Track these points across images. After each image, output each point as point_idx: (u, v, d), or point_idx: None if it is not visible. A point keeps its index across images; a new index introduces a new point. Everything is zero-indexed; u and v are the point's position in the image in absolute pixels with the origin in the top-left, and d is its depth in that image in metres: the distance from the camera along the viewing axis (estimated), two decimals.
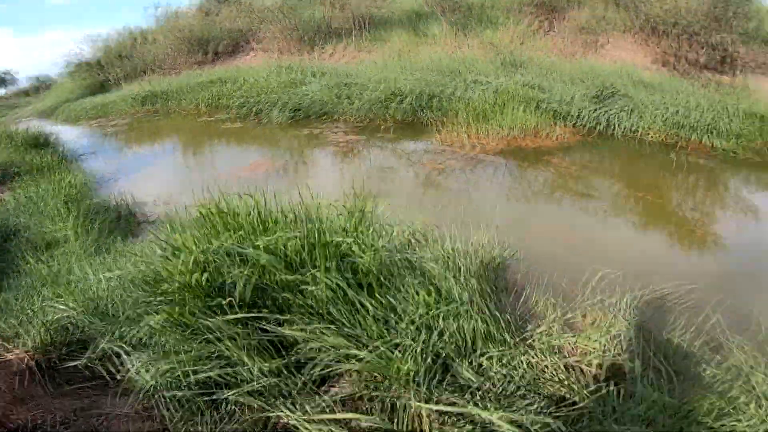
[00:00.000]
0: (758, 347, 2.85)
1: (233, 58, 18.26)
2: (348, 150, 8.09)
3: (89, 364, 2.54)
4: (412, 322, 2.42)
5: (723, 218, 5.34)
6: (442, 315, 2.50)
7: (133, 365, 2.31)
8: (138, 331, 2.49)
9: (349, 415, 2.08)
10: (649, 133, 7.21)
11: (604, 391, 2.39)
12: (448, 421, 2.13)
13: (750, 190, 6.17)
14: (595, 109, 7.23)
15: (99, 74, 24.15)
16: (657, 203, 5.46)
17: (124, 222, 5.63)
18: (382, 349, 2.28)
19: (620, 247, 4.51)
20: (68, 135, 14.00)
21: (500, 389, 2.36)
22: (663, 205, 5.46)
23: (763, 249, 4.74)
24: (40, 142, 11.38)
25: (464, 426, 2.10)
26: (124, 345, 2.50)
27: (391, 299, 2.59)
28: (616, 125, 7.19)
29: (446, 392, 2.22)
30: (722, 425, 2.21)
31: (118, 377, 2.44)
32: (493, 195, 5.58)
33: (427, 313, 2.49)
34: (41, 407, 2.41)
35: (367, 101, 9.65)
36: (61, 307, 2.97)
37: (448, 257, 3.22)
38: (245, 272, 2.41)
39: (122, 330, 2.60)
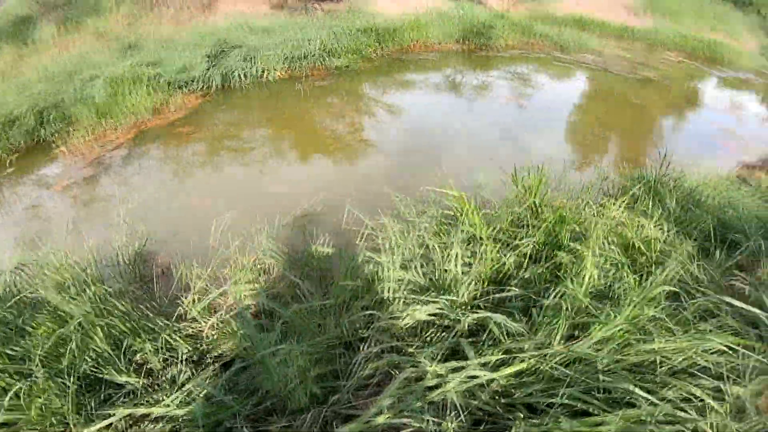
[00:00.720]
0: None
1: None
2: None
3: None
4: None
5: (359, 122, 5.84)
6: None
7: None
8: None
9: None
10: (271, 73, 7.33)
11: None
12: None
13: (376, 93, 6.87)
14: (209, 68, 6.95)
15: None
16: (302, 131, 5.62)
17: None
18: None
19: (277, 185, 4.56)
20: None
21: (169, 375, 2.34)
22: (307, 131, 5.65)
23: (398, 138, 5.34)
24: None
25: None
26: None
27: None
28: (240, 76, 7.10)
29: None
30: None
31: None
32: (135, 188, 5.00)
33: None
34: None
35: None
36: None
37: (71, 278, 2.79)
38: None
39: None
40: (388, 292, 2.52)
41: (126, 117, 6.59)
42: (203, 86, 6.90)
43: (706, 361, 2.06)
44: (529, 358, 2.05)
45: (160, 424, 2.03)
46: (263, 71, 7.33)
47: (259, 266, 3.06)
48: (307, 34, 8.15)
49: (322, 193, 4.32)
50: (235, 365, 2.31)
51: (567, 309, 2.26)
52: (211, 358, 2.45)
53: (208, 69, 6.94)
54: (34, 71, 10.54)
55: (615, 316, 2.16)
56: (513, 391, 1.99)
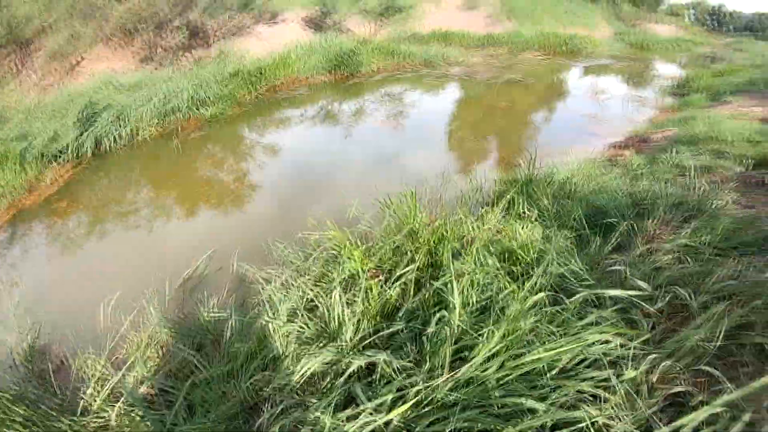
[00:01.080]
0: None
1: None
2: None
3: None
4: None
5: (239, 168, 6.03)
6: None
7: None
8: None
9: None
10: (144, 131, 7.30)
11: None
12: None
13: (253, 136, 7.05)
14: (80, 134, 6.80)
15: None
16: (183, 186, 5.66)
17: None
18: None
19: (165, 246, 4.61)
20: None
21: None
22: (189, 185, 5.70)
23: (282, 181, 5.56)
24: None
25: None
26: None
27: None
28: (114, 138, 6.99)
29: None
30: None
31: None
32: (20, 273, 4.76)
33: None
34: None
35: None
36: None
37: None
38: None
39: None
40: (280, 347, 2.59)
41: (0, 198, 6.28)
42: (76, 154, 6.71)
43: (592, 355, 2.13)
44: (422, 391, 2.07)
45: None
46: (136, 130, 7.25)
47: (155, 341, 3.05)
48: (175, 86, 8.16)
49: (212, 248, 4.39)
50: None
51: (449, 334, 2.26)
52: None
53: (79, 135, 6.75)
54: None
55: (494, 334, 2.19)
56: (413, 425, 2.01)
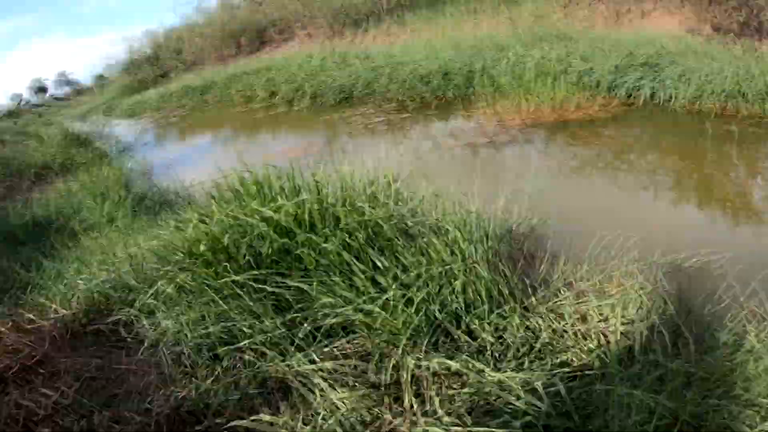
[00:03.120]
0: None
1: (277, 47, 18.58)
2: (390, 128, 8.27)
3: (112, 328, 2.73)
4: (418, 276, 2.46)
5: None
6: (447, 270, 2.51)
7: (144, 326, 2.44)
8: (150, 298, 2.62)
9: (332, 364, 2.13)
10: (696, 103, 6.74)
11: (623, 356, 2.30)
12: (452, 382, 2.11)
13: None
14: (641, 77, 6.88)
15: (153, 69, 25.21)
16: (714, 178, 5.10)
17: (163, 205, 5.92)
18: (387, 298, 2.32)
19: (661, 219, 4.27)
20: (121, 129, 14.77)
21: (516, 351, 2.32)
22: (717, 178, 5.11)
23: None
24: (82, 141, 12.10)
25: (472, 386, 2.05)
26: (140, 310, 2.70)
27: (403, 258, 2.62)
28: (673, 95, 6.73)
29: (453, 351, 2.23)
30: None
31: (134, 338, 2.64)
32: (530, 167, 5.41)
33: (436, 268, 2.50)
34: (63, 364, 2.62)
35: (410, 80, 9.65)
36: (82, 280, 3.23)
37: (467, 222, 3.14)
38: (248, 239, 2.51)
39: (139, 298, 2.78)
40: None
41: (536, 102, 7.11)
42: (631, 95, 6.98)
43: None
44: None
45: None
46: (675, 96, 6.85)
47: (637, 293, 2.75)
48: (735, 69, 7.12)
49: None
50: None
51: None
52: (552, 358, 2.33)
53: (639, 79, 6.92)
54: (446, 39, 12.21)
55: None
56: None
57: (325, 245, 2.59)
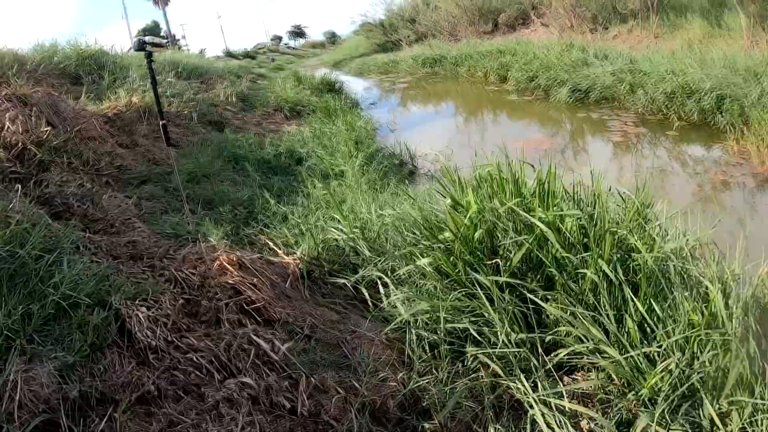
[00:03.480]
0: None
1: (513, 32, 18.16)
2: (626, 141, 7.60)
3: (351, 285, 2.83)
4: (667, 336, 2.16)
5: None
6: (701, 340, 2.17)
7: (394, 297, 2.46)
8: (404, 268, 2.64)
9: (589, 411, 1.95)
10: None
11: None
12: None
13: None
14: None
15: (385, 35, 26.63)
16: None
17: (400, 169, 6.11)
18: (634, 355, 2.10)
19: None
20: (355, 86, 15.86)
21: None
22: None
23: None
24: (333, 88, 13.07)
25: None
26: (388, 277, 2.70)
27: (656, 306, 2.30)
28: None
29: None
30: None
31: (374, 304, 2.68)
32: None
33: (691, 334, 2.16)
34: (296, 309, 2.76)
35: (652, 93, 8.65)
36: (336, 228, 3.36)
37: (725, 281, 2.67)
38: (522, 238, 2.36)
39: (389, 263, 2.81)
40: None
41: None
42: None
43: None
44: None
45: None
46: None
47: None
48: None
49: None
50: None
51: None
52: None
53: None
54: (719, 54, 10.50)
55: None
56: None
57: (583, 270, 2.35)
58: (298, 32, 67.49)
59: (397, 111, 11.90)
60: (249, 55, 42.70)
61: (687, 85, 8.38)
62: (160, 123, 3.65)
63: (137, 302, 2.34)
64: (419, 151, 6.80)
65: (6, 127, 4.05)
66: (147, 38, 3.38)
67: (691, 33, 12.61)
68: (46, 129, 4.27)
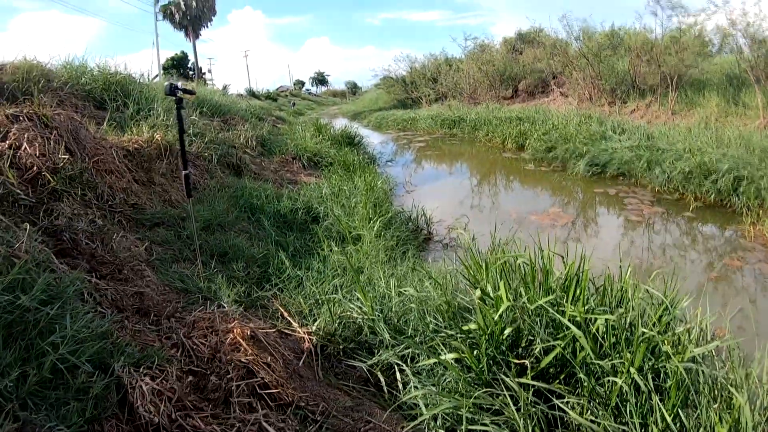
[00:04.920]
0: None
1: (533, 99, 18.54)
2: (642, 220, 7.54)
3: (367, 368, 2.73)
4: None
5: None
6: None
7: (415, 394, 2.36)
8: (427, 361, 2.54)
9: None
10: None
11: None
12: None
13: None
14: None
15: (405, 91, 27.26)
16: None
17: (415, 235, 6.04)
18: None
19: None
20: (373, 139, 16.07)
21: None
22: None
23: None
24: (352, 141, 13.21)
25: None
26: (406, 365, 2.61)
27: (682, 415, 2.20)
28: None
29: None
30: None
31: (389, 390, 2.57)
32: None
33: None
34: (309, 390, 2.64)
35: (669, 171, 8.69)
36: (355, 306, 3.28)
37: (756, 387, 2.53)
38: (555, 343, 2.27)
39: (409, 351, 2.71)
40: None
41: None
42: None
43: None
44: None
45: None
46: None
47: None
48: None
49: None
50: None
51: None
52: None
53: None
54: (735, 133, 10.56)
55: None
56: None
57: (613, 379, 2.25)
58: (320, 79, 70.00)
59: (413, 169, 12.01)
60: (271, 97, 43.85)
61: (704, 165, 8.40)
62: (183, 173, 3.65)
63: (141, 370, 2.25)
64: (434, 215, 6.78)
65: (24, 147, 3.97)
66: (179, 84, 3.41)
67: (708, 110, 12.77)
68: (63, 156, 4.15)
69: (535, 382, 2.20)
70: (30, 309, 2.18)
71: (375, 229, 5.48)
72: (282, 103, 35.19)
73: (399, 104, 26.71)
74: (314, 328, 3.19)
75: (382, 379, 2.65)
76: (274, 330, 3.03)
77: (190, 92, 3.70)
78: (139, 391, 2.16)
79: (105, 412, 2.01)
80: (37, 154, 3.97)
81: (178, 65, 46.02)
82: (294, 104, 38.32)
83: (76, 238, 3.44)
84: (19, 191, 3.52)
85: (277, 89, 56.44)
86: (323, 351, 3.02)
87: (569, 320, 2.35)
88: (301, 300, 3.67)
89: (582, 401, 2.24)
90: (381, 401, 2.60)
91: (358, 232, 5.59)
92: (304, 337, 3.15)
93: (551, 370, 2.42)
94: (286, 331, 3.19)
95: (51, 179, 3.85)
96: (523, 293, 2.61)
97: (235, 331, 2.78)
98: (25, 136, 4.08)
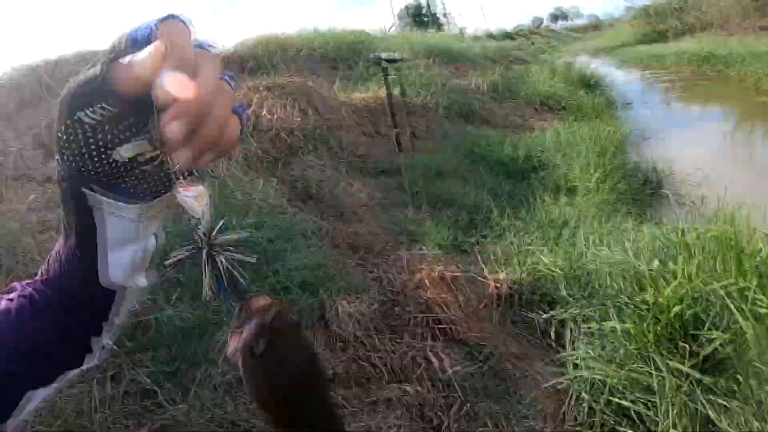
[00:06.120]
0: None
1: None
2: None
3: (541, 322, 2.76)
4: None
5: None
6: None
7: (584, 352, 2.36)
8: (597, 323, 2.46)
9: None
10: None
11: None
12: None
13: None
14: None
15: (650, 24, 23.80)
16: None
17: (642, 188, 5.50)
18: None
19: None
20: (614, 79, 14.39)
21: None
22: None
23: None
24: (588, 83, 12.03)
25: None
26: (579, 325, 2.56)
27: None
28: None
29: None
30: None
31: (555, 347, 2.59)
32: None
33: None
34: (481, 332, 2.78)
35: None
36: (543, 259, 3.24)
37: None
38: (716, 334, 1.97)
39: (584, 311, 2.63)
40: None
41: None
42: None
43: None
44: None
45: None
46: None
47: None
48: None
49: None
50: None
51: None
52: None
53: None
54: None
55: None
56: None
57: None
58: (559, 15, 64.05)
59: (657, 114, 10.27)
60: (509, 36, 42.06)
61: None
62: (394, 132, 4.02)
63: (341, 295, 2.76)
64: (673, 167, 5.87)
65: (264, 113, 4.83)
66: (384, 54, 3.73)
67: None
68: (297, 118, 4.96)
69: (690, 371, 1.94)
70: (262, 242, 2.80)
71: (593, 180, 5.08)
72: (520, 43, 33.46)
73: (645, 39, 23.19)
74: (502, 276, 3.26)
75: (552, 335, 2.63)
76: (462, 274, 3.23)
77: (393, 60, 3.98)
78: (334, 311, 2.61)
79: (308, 323, 2.51)
80: (275, 118, 4.84)
81: (414, 15, 45.67)
82: (533, 43, 36.23)
83: (307, 186, 4.14)
84: (260, 150, 4.38)
85: (514, 28, 53.73)
86: (506, 299, 3.09)
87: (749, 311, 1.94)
88: (499, 249, 3.74)
89: (731, 404, 1.86)
90: (545, 355, 2.61)
91: (573, 183, 5.27)
92: (491, 284, 3.26)
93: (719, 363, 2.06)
94: (478, 276, 3.34)
95: (287, 137, 4.67)
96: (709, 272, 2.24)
97: (423, 271, 3.09)
98: (264, 104, 5.00)
